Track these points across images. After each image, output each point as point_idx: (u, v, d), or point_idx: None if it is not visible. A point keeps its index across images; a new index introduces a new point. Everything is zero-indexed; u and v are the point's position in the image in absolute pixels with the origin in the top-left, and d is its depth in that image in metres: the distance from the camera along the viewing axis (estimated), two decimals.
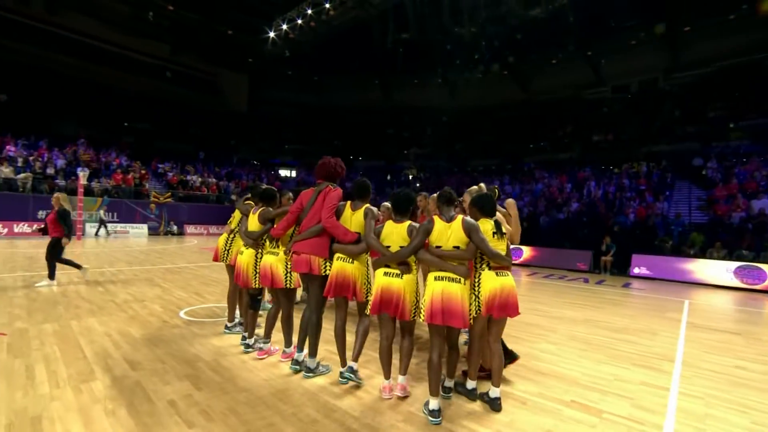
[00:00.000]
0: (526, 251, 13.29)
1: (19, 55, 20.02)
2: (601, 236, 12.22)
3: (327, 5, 19.47)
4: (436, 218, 2.84)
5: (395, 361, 3.09)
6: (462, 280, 2.69)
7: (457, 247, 2.72)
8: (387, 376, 2.98)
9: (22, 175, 15.18)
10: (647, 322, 5.80)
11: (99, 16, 21.79)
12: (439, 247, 2.75)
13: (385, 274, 2.87)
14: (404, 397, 2.95)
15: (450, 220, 2.79)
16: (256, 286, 3.69)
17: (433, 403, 2.66)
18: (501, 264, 2.83)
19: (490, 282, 2.78)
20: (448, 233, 2.75)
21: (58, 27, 21.29)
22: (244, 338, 3.82)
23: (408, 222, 2.93)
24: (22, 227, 14.80)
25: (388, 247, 2.91)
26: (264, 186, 3.92)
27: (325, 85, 30.12)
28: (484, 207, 2.94)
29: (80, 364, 3.31)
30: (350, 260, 3.07)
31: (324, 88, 30.33)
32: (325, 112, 30.80)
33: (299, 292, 5.36)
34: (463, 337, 4.22)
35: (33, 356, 3.46)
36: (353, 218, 3.14)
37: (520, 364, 3.75)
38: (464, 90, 26.96)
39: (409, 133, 30.84)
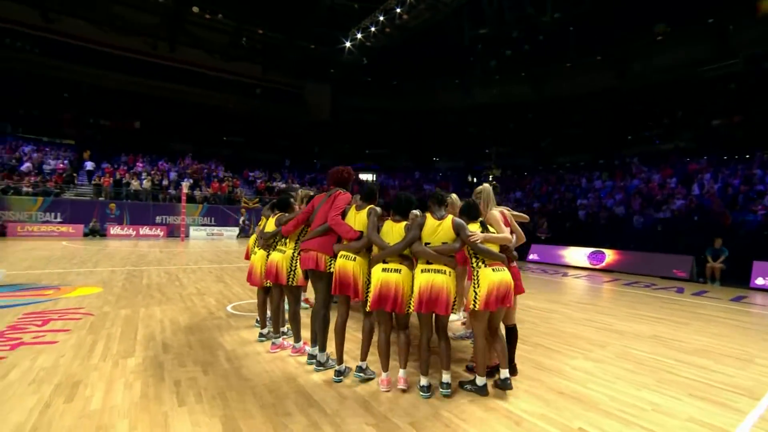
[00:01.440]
0: (610, 255, 11.76)
1: (148, 88, 24.13)
2: (708, 239, 10.25)
3: (398, 10, 19.76)
4: (428, 216, 3.07)
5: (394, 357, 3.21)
6: (448, 271, 2.94)
7: (446, 243, 2.98)
8: (385, 368, 3.11)
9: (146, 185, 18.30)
10: (744, 345, 4.71)
11: (204, 47, 25.14)
12: (428, 243, 3.00)
13: (384, 270, 3.05)
14: (405, 390, 3.05)
15: (441, 218, 3.05)
16: (266, 284, 3.97)
17: (424, 381, 3.00)
18: (493, 260, 3.00)
19: (488, 278, 2.93)
20: (438, 230, 3.01)
21: (177, 62, 25.16)
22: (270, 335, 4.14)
23: (405, 222, 3.16)
24: (145, 230, 17.84)
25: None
26: (280, 194, 4.26)
27: (404, 88, 30.46)
28: (469, 213, 3.17)
29: (128, 344, 3.89)
30: (352, 258, 3.20)
31: (402, 92, 30.71)
32: (404, 116, 31.15)
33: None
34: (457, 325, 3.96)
35: (101, 334, 4.16)
36: (357, 217, 3.31)
37: (537, 379, 3.38)
38: (549, 82, 25.02)
39: (491, 131, 29.64)
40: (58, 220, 15.97)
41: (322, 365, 3.42)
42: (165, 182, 19.17)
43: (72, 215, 16.33)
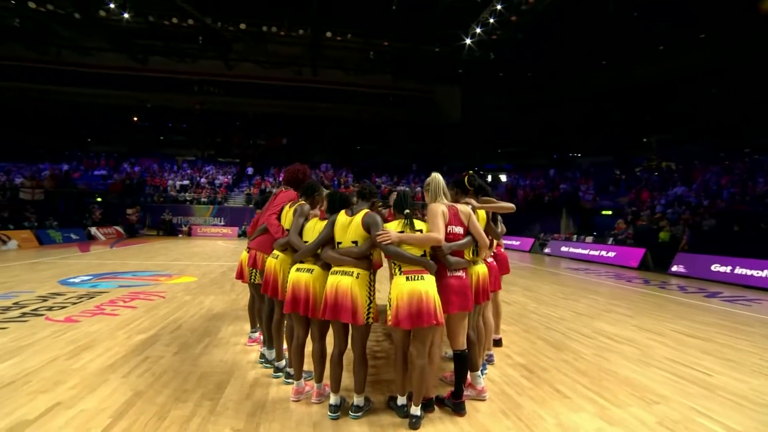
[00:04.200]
0: None
1: (293, 109, 28.31)
2: None
3: None
4: (341, 213, 2.75)
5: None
6: (356, 273, 2.61)
7: (356, 242, 2.64)
8: (317, 379, 2.89)
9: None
10: None
11: (341, 66, 27.93)
12: (340, 243, 2.69)
13: (297, 269, 2.86)
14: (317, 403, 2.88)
15: (354, 214, 2.70)
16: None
17: (332, 398, 2.71)
18: (410, 266, 2.55)
19: (397, 288, 2.54)
20: (348, 228, 2.68)
21: (318, 83, 28.79)
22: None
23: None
24: None
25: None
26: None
27: (541, 79, 27.60)
28: (396, 206, 2.76)
29: (153, 322, 4.74)
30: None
31: (538, 84, 27.88)
32: (543, 108, 28.21)
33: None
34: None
35: (147, 312, 5.17)
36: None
37: None
38: (736, 45, 18.84)
39: (652, 116, 24.18)
40: (222, 223, 20.34)
41: (269, 362, 3.47)
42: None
43: (231, 219, 20.50)
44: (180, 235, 19.57)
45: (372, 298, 2.68)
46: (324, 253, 2.75)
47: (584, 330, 4.95)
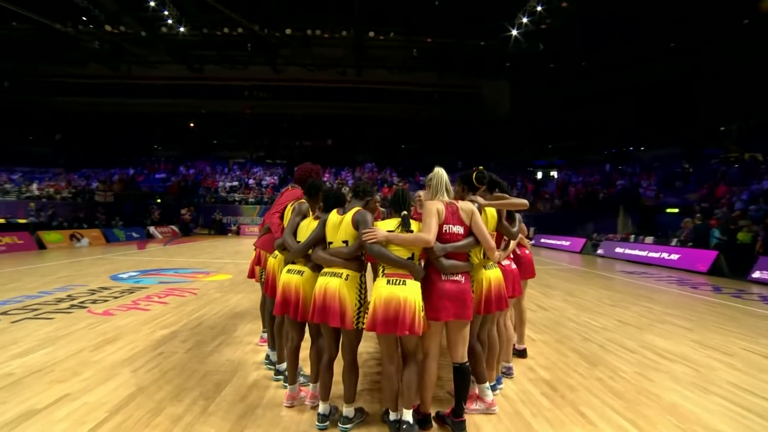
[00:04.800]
0: None
1: (338, 110, 28.72)
2: None
3: None
4: (333, 212, 2.60)
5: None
6: (345, 275, 2.45)
7: (347, 242, 2.50)
8: (312, 380, 2.81)
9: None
10: None
11: (384, 66, 27.90)
12: (331, 243, 2.55)
13: (288, 271, 2.77)
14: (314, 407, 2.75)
15: (345, 212, 2.55)
16: None
17: (321, 407, 2.56)
18: (393, 269, 2.36)
19: (377, 290, 2.37)
20: (339, 228, 2.54)
21: (362, 83, 28.99)
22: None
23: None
24: None
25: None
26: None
27: (596, 68, 25.68)
28: (392, 205, 2.56)
29: (178, 317, 4.89)
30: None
31: (594, 73, 25.96)
32: (598, 100, 26.23)
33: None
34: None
35: (175, 308, 5.36)
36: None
37: None
38: None
39: (732, 101, 21.46)
40: None
41: (272, 364, 3.41)
42: (345, 189, 22.54)
43: None
44: (229, 234, 20.63)
45: (362, 301, 2.50)
46: (314, 253, 2.62)
47: (628, 343, 4.38)
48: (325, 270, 2.54)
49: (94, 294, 6.14)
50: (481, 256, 2.67)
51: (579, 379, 3.36)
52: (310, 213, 2.89)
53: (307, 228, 2.76)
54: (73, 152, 25.20)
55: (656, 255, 11.85)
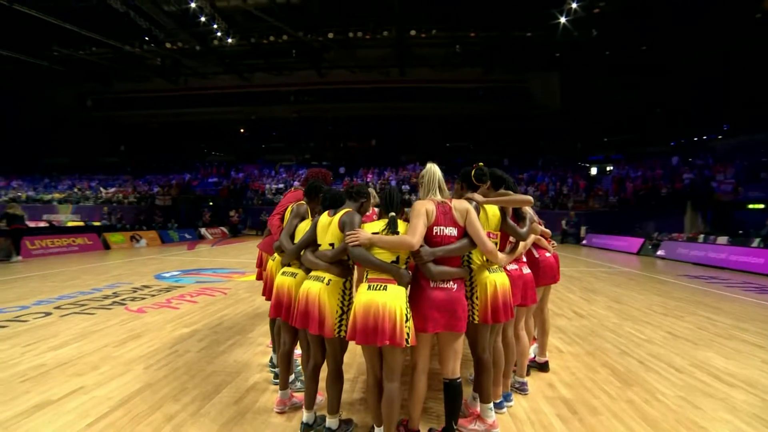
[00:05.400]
0: None
1: (382, 110, 28.81)
2: None
3: None
4: (324, 213, 2.53)
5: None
6: (327, 279, 2.34)
7: (333, 245, 2.39)
8: (282, 386, 2.74)
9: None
10: None
11: (428, 64, 27.53)
12: (320, 245, 2.46)
13: (283, 273, 2.73)
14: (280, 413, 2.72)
15: (335, 213, 2.43)
16: None
17: (305, 415, 2.49)
18: (376, 273, 2.19)
19: (358, 296, 2.21)
20: (327, 230, 2.43)
21: (406, 83, 28.83)
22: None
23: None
24: None
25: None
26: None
27: (659, 52, 23.43)
28: (385, 204, 2.36)
29: (202, 316, 5.05)
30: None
31: (656, 58, 23.70)
32: (661, 87, 23.97)
33: None
34: None
35: (202, 308, 5.55)
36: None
37: None
38: None
39: None
40: None
41: (275, 367, 3.37)
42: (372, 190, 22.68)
43: None
44: None
45: (345, 308, 2.35)
46: (303, 256, 2.53)
47: (677, 360, 3.83)
48: (312, 273, 2.45)
49: (135, 292, 6.55)
50: (483, 259, 2.42)
51: (606, 401, 2.96)
52: (309, 214, 2.81)
53: (304, 230, 2.69)
54: (139, 160, 27.69)
55: (732, 257, 10.49)
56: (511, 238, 2.74)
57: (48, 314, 5.14)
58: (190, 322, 4.82)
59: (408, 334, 2.13)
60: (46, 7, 17.42)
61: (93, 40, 21.07)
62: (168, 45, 22.07)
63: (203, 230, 18.25)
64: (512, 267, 2.74)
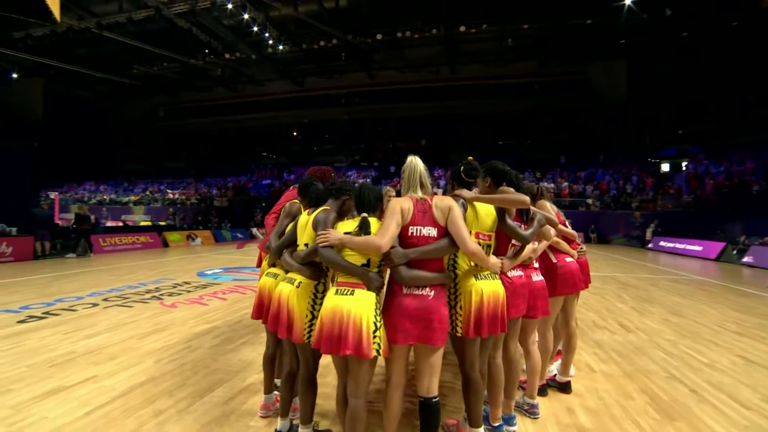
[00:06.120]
0: None
1: (431, 109, 28.38)
2: None
3: None
4: (304, 212, 2.42)
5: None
6: (297, 282, 2.21)
7: (307, 245, 2.26)
8: (266, 390, 2.66)
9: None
10: None
11: (479, 60, 26.63)
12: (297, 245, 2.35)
13: (267, 274, 2.66)
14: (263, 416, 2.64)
15: (312, 212, 2.31)
16: None
17: (279, 423, 2.39)
18: (345, 277, 2.00)
19: (325, 303, 2.01)
20: (305, 229, 2.30)
21: (458, 80, 28.15)
22: None
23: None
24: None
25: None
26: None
27: (755, 27, 20.40)
28: (356, 204, 2.18)
29: (223, 314, 5.17)
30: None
31: (747, 33, 20.72)
32: (756, 69, 20.90)
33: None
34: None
35: (228, 306, 5.69)
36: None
37: None
38: None
39: None
40: None
41: None
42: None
43: None
44: None
45: (315, 313, 2.19)
46: (283, 257, 2.41)
47: (745, 393, 3.15)
48: (286, 275, 2.34)
49: (175, 288, 6.93)
50: (471, 263, 2.13)
51: None
52: (303, 213, 2.69)
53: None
54: (200, 164, 29.95)
55: None
56: (516, 242, 2.41)
57: (95, 305, 5.57)
58: (213, 319, 4.95)
59: (378, 344, 1.92)
60: (128, 32, 19.43)
61: (164, 57, 23.25)
62: (227, 56, 23.56)
63: (254, 230, 19.15)
64: (515, 273, 2.39)
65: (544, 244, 2.69)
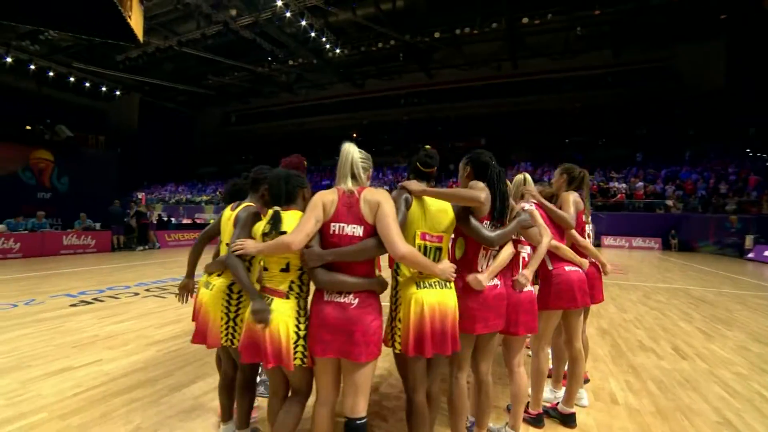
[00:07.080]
0: None
1: (492, 107, 27.20)
2: None
3: None
4: (227, 208, 2.30)
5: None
6: (211, 285, 2.16)
7: (228, 245, 2.20)
8: (223, 418, 2.34)
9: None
10: None
11: (545, 53, 24.95)
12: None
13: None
14: None
15: (237, 207, 2.17)
16: None
17: (222, 428, 2.28)
18: (270, 281, 1.84)
19: (249, 307, 1.83)
20: (227, 226, 2.18)
21: (521, 75, 26.64)
22: None
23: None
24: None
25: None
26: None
27: None
28: (269, 194, 1.95)
29: None
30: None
31: None
32: None
33: None
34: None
35: None
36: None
37: None
38: None
39: None
40: None
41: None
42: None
43: None
44: None
45: (231, 315, 2.06)
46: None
47: None
48: (204, 279, 2.26)
49: None
50: (409, 271, 1.86)
51: None
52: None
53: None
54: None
55: None
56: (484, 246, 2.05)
57: (136, 294, 6.05)
58: None
59: (303, 354, 1.74)
60: (202, 46, 21.38)
61: (234, 67, 25.20)
62: (290, 62, 24.77)
63: None
64: (491, 283, 2.04)
65: (542, 251, 2.27)
